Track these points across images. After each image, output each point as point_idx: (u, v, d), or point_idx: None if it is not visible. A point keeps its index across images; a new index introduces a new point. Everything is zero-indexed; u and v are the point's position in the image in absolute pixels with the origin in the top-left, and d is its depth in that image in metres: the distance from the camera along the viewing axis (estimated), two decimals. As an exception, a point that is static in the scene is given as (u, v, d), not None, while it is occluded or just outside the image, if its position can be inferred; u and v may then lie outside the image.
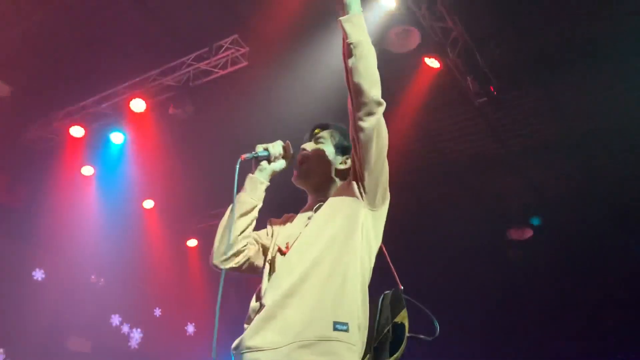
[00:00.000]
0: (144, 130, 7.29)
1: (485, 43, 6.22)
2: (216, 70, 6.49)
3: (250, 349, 1.64)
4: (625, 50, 5.86)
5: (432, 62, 5.96)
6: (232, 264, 1.91)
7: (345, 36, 1.90)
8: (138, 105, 6.80)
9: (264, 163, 1.97)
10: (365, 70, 1.84)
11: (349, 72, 1.87)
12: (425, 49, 5.85)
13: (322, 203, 1.96)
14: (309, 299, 1.67)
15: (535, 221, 8.50)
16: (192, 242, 9.41)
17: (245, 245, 1.92)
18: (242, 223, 1.90)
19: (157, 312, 9.79)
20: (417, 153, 8.16)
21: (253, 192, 1.93)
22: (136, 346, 9.26)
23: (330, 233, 1.80)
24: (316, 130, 2.16)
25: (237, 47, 6.30)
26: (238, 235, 1.89)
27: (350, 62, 1.85)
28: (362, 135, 1.84)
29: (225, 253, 1.88)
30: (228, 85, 7.33)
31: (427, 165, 8.44)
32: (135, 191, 8.52)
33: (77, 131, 7.26)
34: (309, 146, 2.10)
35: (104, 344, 8.70)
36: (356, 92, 1.84)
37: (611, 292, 8.65)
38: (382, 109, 1.89)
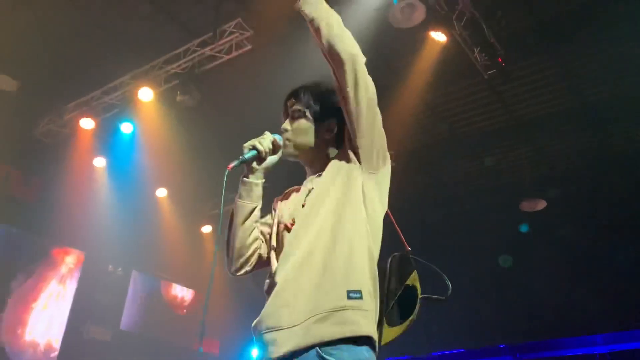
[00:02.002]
0: (153, 119, 7.31)
1: (492, 14, 6.13)
2: (221, 55, 6.46)
3: (269, 329, 1.65)
4: (634, 14, 5.74)
5: (439, 36, 5.88)
6: (247, 267, 1.91)
7: (306, 17, 1.86)
8: (146, 94, 6.81)
9: (255, 163, 1.90)
10: (332, 34, 1.80)
11: (320, 43, 1.83)
12: (431, 23, 5.77)
13: (320, 173, 1.91)
14: (318, 271, 1.66)
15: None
16: (207, 228, 9.49)
17: (255, 248, 1.92)
18: (245, 229, 1.89)
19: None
20: (427, 129, 8.12)
21: (248, 197, 1.90)
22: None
23: (330, 202, 1.78)
24: (289, 104, 2.05)
25: (241, 31, 6.26)
26: (246, 242, 1.89)
27: (318, 35, 1.83)
28: (346, 95, 1.79)
29: (236, 262, 1.90)
30: (234, 69, 7.31)
31: (437, 141, 8.40)
32: (148, 180, 8.58)
33: (87, 123, 7.31)
34: (287, 125, 2.00)
35: (122, 333, 8.86)
36: (331, 56, 1.81)
37: (623, 266, 8.59)
38: (361, 61, 1.81)
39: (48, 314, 8.00)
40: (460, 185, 9.04)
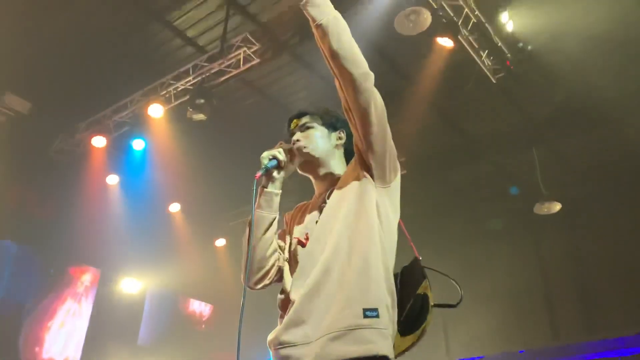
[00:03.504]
0: (164, 135, 7.36)
1: (497, 17, 6.12)
2: (229, 69, 6.50)
3: (283, 345, 1.65)
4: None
5: (445, 42, 5.87)
6: (266, 281, 1.89)
7: (311, 20, 1.82)
8: (156, 110, 6.86)
9: (275, 172, 1.91)
10: (342, 49, 1.78)
11: (327, 55, 1.81)
12: (437, 28, 5.76)
13: (332, 188, 1.92)
14: (334, 289, 1.66)
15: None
16: (221, 242, 9.50)
17: (275, 260, 1.91)
18: (266, 240, 1.87)
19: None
20: (438, 135, 8.09)
21: (269, 207, 1.90)
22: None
23: (344, 218, 1.78)
24: (294, 122, 2.08)
25: (248, 45, 6.29)
26: (266, 253, 1.88)
27: (325, 44, 1.80)
28: (357, 114, 1.80)
29: (256, 274, 1.87)
30: (243, 83, 7.35)
31: (449, 147, 8.36)
32: (161, 196, 8.62)
33: (99, 141, 7.37)
34: (299, 135, 2.03)
35: (140, 349, 8.87)
36: (340, 73, 1.79)
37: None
38: (371, 79, 1.81)
39: (65, 332, 8.03)
40: (473, 190, 8.98)
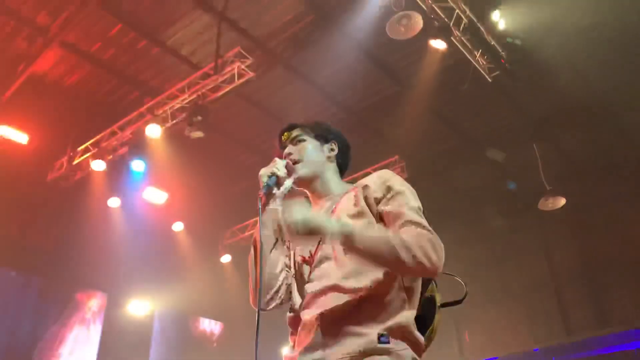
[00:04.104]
0: (163, 154, 7.34)
1: (489, 16, 6.12)
2: (224, 85, 6.49)
3: None
4: None
5: (438, 44, 5.87)
6: (277, 300, 1.83)
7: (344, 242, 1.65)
8: (153, 130, 6.85)
9: (275, 189, 1.87)
10: (389, 262, 1.61)
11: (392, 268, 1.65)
12: (429, 31, 5.76)
13: (330, 203, 1.89)
14: (347, 311, 1.63)
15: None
16: (226, 258, 9.45)
17: (284, 278, 1.86)
18: (273, 259, 1.84)
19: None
20: (437, 137, 8.07)
21: (273, 225, 1.87)
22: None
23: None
24: (285, 135, 2.04)
25: (242, 59, 6.29)
26: (275, 271, 1.83)
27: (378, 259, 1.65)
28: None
29: (266, 294, 1.81)
30: (239, 97, 7.35)
31: (449, 148, 8.34)
32: (163, 216, 8.59)
33: (98, 165, 7.35)
34: (291, 149, 1.99)
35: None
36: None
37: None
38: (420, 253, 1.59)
39: (75, 358, 7.97)
40: (475, 190, 8.93)
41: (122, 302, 8.70)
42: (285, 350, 1.79)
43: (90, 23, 6.47)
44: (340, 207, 1.84)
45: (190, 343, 9.60)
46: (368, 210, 1.77)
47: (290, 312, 1.80)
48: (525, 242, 9.17)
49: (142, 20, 6.55)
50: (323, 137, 2.04)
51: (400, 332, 1.62)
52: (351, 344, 1.58)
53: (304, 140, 2.01)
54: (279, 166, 1.89)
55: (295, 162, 1.95)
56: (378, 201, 1.78)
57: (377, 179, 1.82)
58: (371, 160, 7.24)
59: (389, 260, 1.59)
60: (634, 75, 6.67)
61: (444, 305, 1.83)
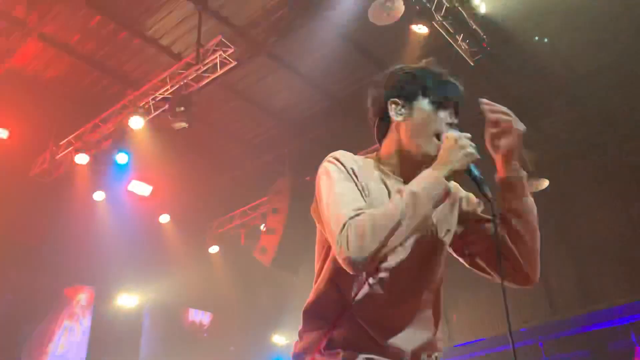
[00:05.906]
0: (147, 146, 7.29)
1: (470, 0, 6.13)
2: (207, 74, 6.45)
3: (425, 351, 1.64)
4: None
5: (420, 29, 5.88)
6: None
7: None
8: (136, 122, 6.79)
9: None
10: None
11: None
12: (411, 16, 5.77)
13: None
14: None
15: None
16: (214, 249, 9.43)
17: None
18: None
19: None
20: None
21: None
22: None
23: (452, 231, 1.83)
24: (457, 100, 1.79)
25: (223, 48, 6.25)
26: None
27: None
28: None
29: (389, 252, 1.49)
30: (222, 86, 7.31)
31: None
32: (149, 208, 8.55)
33: (81, 158, 7.28)
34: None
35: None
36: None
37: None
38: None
39: (65, 354, 7.95)
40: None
41: (110, 296, 8.68)
42: None
43: (69, 15, 6.37)
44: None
45: (180, 334, 9.61)
46: None
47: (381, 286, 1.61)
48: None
49: (121, 11, 6.47)
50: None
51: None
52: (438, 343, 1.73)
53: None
54: (474, 149, 1.62)
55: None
56: None
57: None
58: (356, 147, 7.22)
59: None
60: (618, 57, 6.73)
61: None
